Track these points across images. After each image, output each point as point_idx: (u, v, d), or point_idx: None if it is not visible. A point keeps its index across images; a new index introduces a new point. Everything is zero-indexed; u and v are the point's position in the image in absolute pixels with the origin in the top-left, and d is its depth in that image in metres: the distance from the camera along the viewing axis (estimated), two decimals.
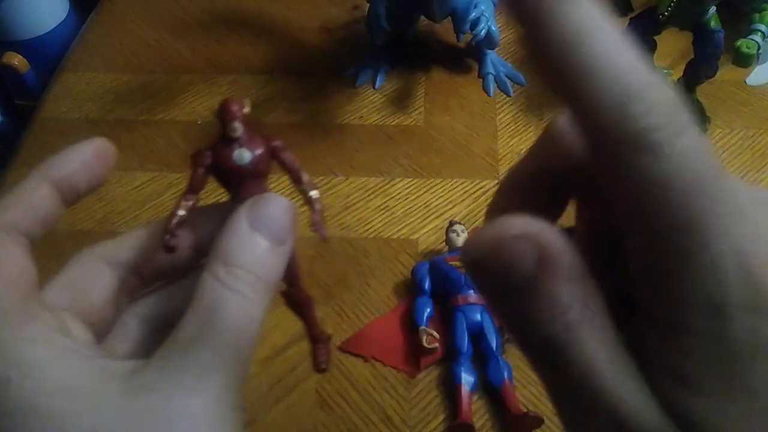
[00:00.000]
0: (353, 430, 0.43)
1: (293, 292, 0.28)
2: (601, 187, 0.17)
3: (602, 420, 0.17)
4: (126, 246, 0.25)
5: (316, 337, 0.30)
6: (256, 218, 0.22)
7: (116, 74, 0.67)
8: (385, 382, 0.45)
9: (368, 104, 0.63)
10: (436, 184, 0.56)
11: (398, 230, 0.53)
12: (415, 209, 0.55)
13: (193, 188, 0.25)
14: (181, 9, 0.73)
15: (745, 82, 0.63)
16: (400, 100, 0.63)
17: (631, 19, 0.59)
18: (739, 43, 0.53)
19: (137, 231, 0.25)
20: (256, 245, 0.22)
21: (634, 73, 0.16)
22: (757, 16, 0.54)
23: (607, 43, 0.16)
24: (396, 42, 0.65)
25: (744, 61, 0.53)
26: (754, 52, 0.52)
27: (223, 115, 0.24)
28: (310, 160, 0.58)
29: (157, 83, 0.66)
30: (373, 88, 0.64)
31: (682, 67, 0.59)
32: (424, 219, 0.54)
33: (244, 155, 0.24)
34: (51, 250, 0.58)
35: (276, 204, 0.22)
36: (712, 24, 0.54)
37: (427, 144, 0.59)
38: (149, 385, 0.19)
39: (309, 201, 0.26)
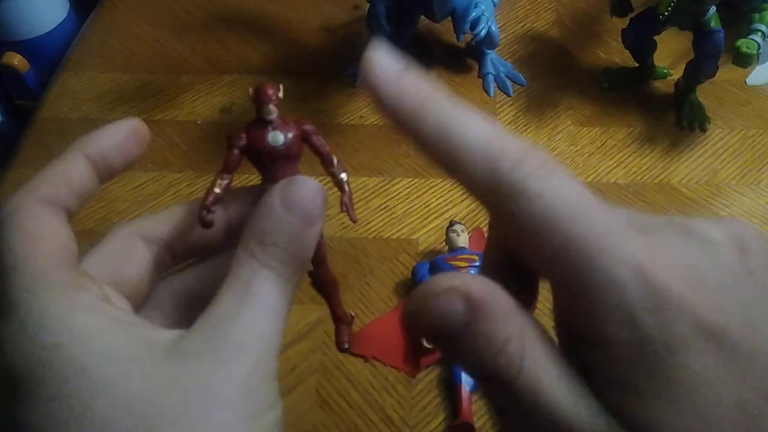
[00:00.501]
0: (353, 430, 0.43)
1: (320, 273, 0.29)
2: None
3: None
4: (162, 222, 0.25)
5: (340, 318, 0.31)
6: (289, 198, 0.23)
7: (116, 74, 0.67)
8: (386, 381, 0.45)
9: (368, 104, 0.63)
10: (436, 184, 0.56)
11: (398, 230, 0.53)
12: (415, 209, 0.55)
13: (228, 168, 0.26)
14: (181, 9, 0.73)
15: (745, 82, 0.63)
16: None
17: (631, 19, 0.59)
18: (739, 43, 0.53)
19: (173, 208, 0.26)
20: (289, 224, 0.23)
21: (494, 140, 0.20)
22: (757, 16, 0.54)
23: (466, 124, 0.20)
24: (396, 42, 0.65)
25: (744, 61, 0.53)
26: (754, 52, 0.52)
27: (259, 97, 0.26)
28: (310, 159, 0.58)
29: (157, 83, 0.66)
30: None
31: (682, 67, 0.59)
32: (424, 219, 0.54)
33: (277, 137, 0.25)
34: None
35: (308, 185, 0.24)
36: (712, 24, 0.54)
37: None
38: (191, 352, 0.20)
39: (339, 183, 0.27)
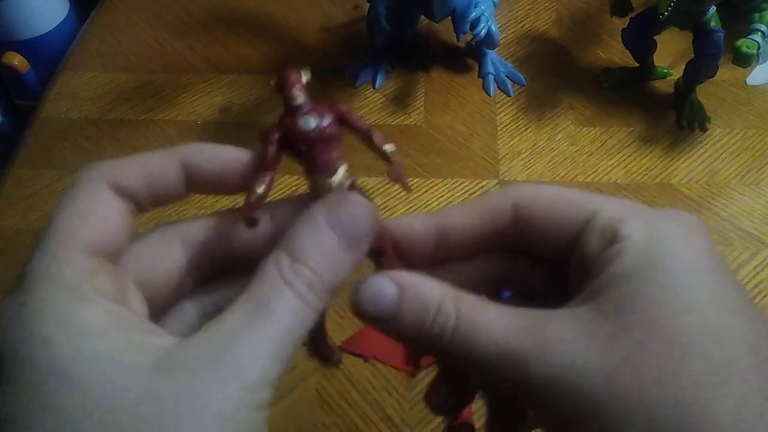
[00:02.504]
0: (353, 430, 0.43)
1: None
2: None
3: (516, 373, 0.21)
4: (204, 227, 0.24)
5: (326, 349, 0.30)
6: (335, 215, 0.22)
7: (116, 74, 0.67)
8: (386, 381, 0.45)
9: (368, 104, 0.63)
10: (436, 184, 0.56)
11: None
12: (415, 209, 0.55)
13: (266, 166, 0.25)
14: (181, 9, 0.73)
15: (745, 81, 0.63)
16: (400, 100, 0.63)
17: (631, 19, 0.59)
18: (739, 42, 0.53)
19: (215, 215, 0.25)
20: (328, 242, 0.22)
21: (418, 310, 0.23)
22: (757, 15, 0.54)
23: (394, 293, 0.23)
24: (396, 42, 0.65)
25: (744, 60, 0.53)
26: (754, 51, 0.52)
27: (282, 83, 0.25)
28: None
29: (157, 83, 0.66)
30: (373, 88, 0.64)
31: (682, 67, 0.59)
32: None
33: (309, 122, 0.24)
34: None
35: (360, 204, 0.23)
36: (712, 24, 0.54)
37: (427, 144, 0.59)
38: (183, 364, 0.19)
39: (384, 156, 0.26)
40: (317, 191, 0.25)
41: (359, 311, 0.23)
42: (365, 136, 0.25)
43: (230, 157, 0.24)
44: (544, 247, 0.25)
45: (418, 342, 0.23)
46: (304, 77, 0.25)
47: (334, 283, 0.22)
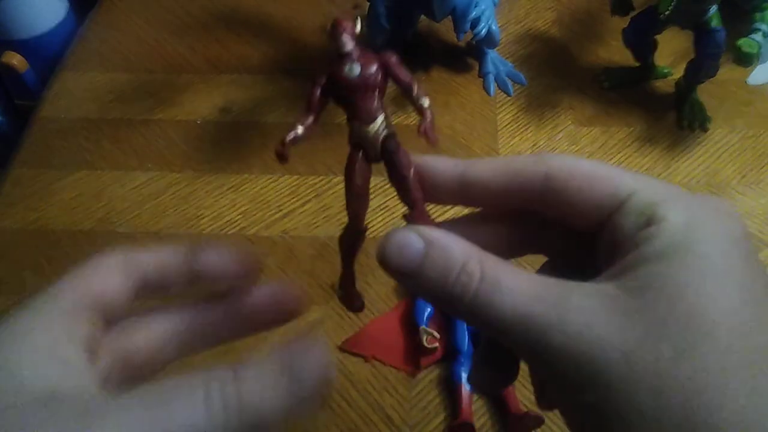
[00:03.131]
0: (353, 430, 0.43)
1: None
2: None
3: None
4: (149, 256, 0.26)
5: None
6: (291, 357, 0.22)
7: (116, 74, 0.67)
8: (386, 381, 0.45)
9: None
10: None
11: None
12: None
13: (311, 107, 0.26)
14: (181, 9, 0.73)
15: (746, 81, 0.63)
16: (400, 100, 0.63)
17: (631, 18, 0.59)
18: (740, 42, 0.52)
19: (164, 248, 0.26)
20: (272, 377, 0.21)
21: (445, 268, 0.23)
22: (758, 15, 0.54)
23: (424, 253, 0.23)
24: (396, 42, 0.64)
25: (745, 60, 0.53)
26: (756, 51, 0.52)
27: (334, 29, 0.25)
28: (310, 159, 0.58)
29: (157, 83, 0.65)
30: None
31: (683, 66, 0.59)
32: None
33: (354, 68, 0.25)
34: (51, 249, 0.58)
35: (316, 354, 0.22)
36: (713, 23, 0.54)
37: (427, 144, 0.59)
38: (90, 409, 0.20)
39: (420, 109, 0.27)
40: (356, 138, 0.26)
41: (384, 262, 0.24)
42: (406, 90, 0.27)
43: (234, 262, 0.26)
44: (573, 220, 0.25)
45: (439, 300, 0.23)
46: (357, 26, 0.26)
47: (253, 411, 0.21)
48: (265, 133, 0.60)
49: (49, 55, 0.72)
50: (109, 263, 0.24)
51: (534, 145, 0.59)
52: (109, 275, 0.24)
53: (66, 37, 0.73)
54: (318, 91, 0.26)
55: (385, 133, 0.26)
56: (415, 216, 0.27)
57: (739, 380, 0.19)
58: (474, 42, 0.63)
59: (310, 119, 0.26)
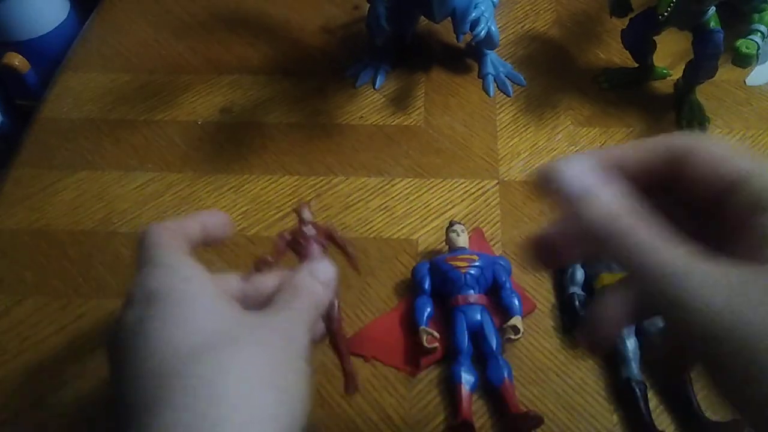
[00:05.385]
0: (353, 430, 0.43)
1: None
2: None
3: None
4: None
5: (349, 373, 0.41)
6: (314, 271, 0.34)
7: (117, 74, 0.67)
8: (386, 381, 0.45)
9: (368, 104, 0.63)
10: (436, 184, 0.56)
11: (398, 230, 0.53)
12: (415, 209, 0.55)
13: (278, 253, 0.43)
14: (181, 9, 0.74)
15: (744, 82, 0.63)
16: (400, 100, 0.63)
17: (631, 19, 0.59)
18: (738, 43, 0.53)
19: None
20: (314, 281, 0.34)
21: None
22: (756, 16, 0.54)
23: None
24: (396, 42, 0.65)
25: (743, 61, 0.53)
26: (754, 52, 0.52)
27: (299, 207, 0.44)
28: (310, 160, 0.58)
29: (157, 83, 0.66)
30: (373, 88, 0.64)
31: (682, 67, 0.59)
32: (424, 219, 0.54)
33: (310, 229, 0.43)
34: (52, 249, 0.58)
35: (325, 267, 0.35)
36: (712, 24, 0.54)
37: (427, 144, 0.59)
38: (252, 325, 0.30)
39: (345, 250, 0.45)
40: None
41: (549, 184, 0.26)
42: (339, 244, 0.44)
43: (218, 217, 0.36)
44: (694, 195, 0.27)
45: (581, 236, 0.26)
46: (312, 209, 0.44)
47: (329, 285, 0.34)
48: (265, 134, 0.60)
49: (50, 55, 0.72)
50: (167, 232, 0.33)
51: (533, 145, 0.59)
52: (178, 236, 0.33)
53: (67, 38, 0.73)
54: (283, 242, 0.42)
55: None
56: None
57: None
58: (473, 43, 0.63)
59: (275, 257, 0.42)
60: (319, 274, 0.34)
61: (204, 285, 0.30)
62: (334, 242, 0.43)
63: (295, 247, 0.42)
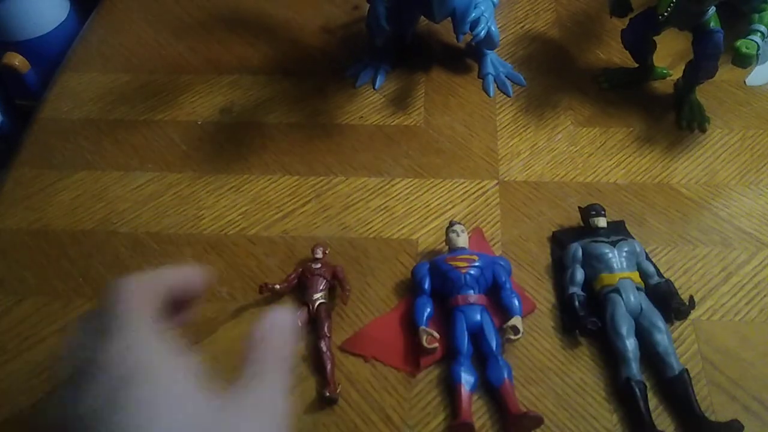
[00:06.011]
0: (353, 430, 0.43)
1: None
2: None
3: None
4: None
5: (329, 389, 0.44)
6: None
7: (117, 74, 0.67)
8: (385, 381, 0.45)
9: (368, 104, 0.63)
10: (436, 184, 0.56)
11: (398, 230, 0.53)
12: (415, 209, 0.55)
13: (288, 283, 0.49)
14: (181, 9, 0.74)
15: (744, 82, 0.63)
16: (400, 100, 0.63)
17: (630, 19, 0.59)
18: (738, 43, 0.53)
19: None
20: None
21: None
22: (756, 16, 0.54)
23: None
24: (396, 42, 0.65)
25: (743, 61, 0.53)
26: (754, 52, 0.52)
27: (315, 248, 0.50)
28: (310, 160, 0.58)
29: (157, 83, 0.66)
30: (373, 88, 0.64)
31: (682, 67, 0.59)
32: (424, 219, 0.54)
33: (316, 266, 0.49)
34: (52, 249, 0.58)
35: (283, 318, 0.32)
36: (712, 24, 0.54)
37: (427, 144, 0.59)
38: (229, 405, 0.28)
39: (343, 287, 0.49)
40: (305, 299, 0.48)
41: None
42: (341, 283, 0.49)
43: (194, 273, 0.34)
44: None
45: None
46: (326, 249, 0.50)
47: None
48: (265, 134, 0.60)
49: (50, 55, 0.72)
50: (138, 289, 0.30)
51: (533, 145, 0.59)
52: (147, 295, 0.30)
53: (67, 38, 0.73)
54: (295, 275, 0.49)
55: (320, 302, 0.48)
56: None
57: None
58: (473, 43, 0.63)
59: (284, 285, 0.48)
60: (278, 323, 0.32)
61: (176, 369, 0.27)
62: (336, 279, 0.49)
63: (301, 278, 0.48)
